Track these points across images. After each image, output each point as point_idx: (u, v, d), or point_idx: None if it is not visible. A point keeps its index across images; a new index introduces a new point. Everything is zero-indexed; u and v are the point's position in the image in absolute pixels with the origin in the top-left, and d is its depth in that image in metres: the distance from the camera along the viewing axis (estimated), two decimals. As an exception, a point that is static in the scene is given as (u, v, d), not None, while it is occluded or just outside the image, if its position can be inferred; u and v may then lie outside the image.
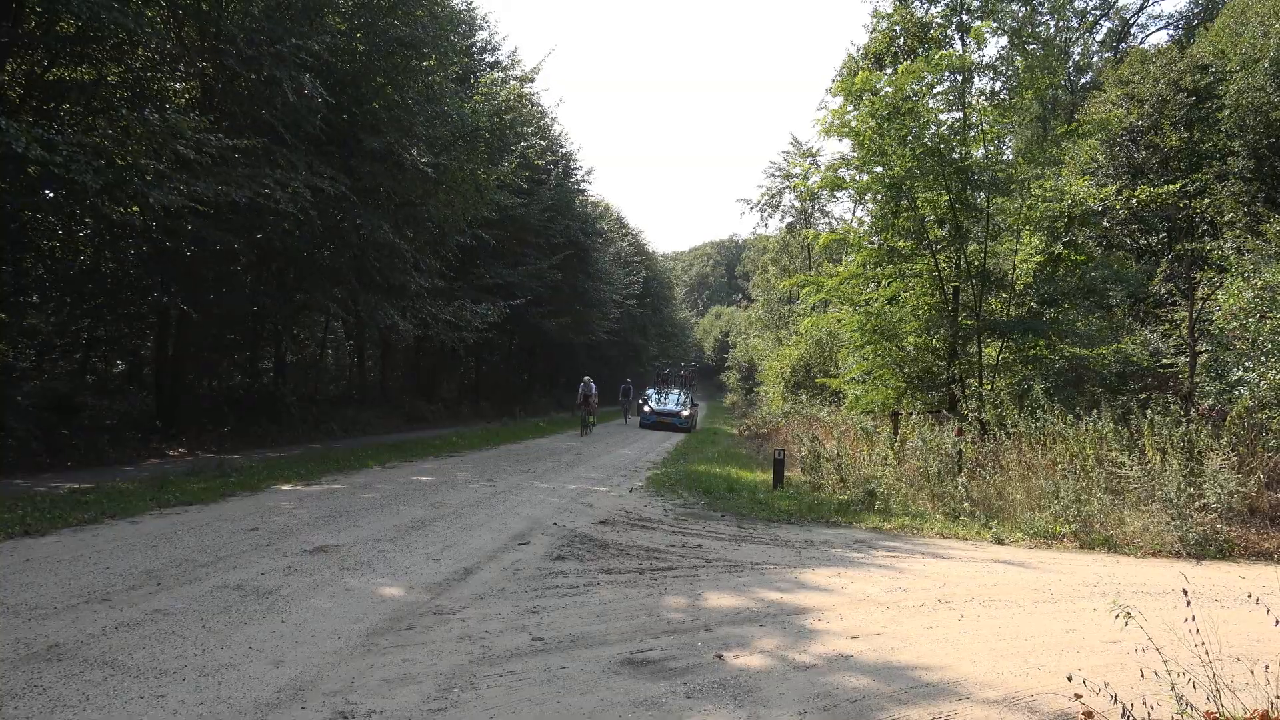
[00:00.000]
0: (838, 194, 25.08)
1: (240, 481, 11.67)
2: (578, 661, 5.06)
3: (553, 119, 35.36)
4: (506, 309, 25.96)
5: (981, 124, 16.47)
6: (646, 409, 33.73)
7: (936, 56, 15.98)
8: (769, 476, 15.10)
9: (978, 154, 16.39)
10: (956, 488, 12.11)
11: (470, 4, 27.57)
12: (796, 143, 52.03)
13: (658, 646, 5.43)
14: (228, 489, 11.02)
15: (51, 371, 17.82)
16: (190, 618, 5.50)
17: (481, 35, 29.95)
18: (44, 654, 4.67)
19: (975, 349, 16.44)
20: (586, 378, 27.98)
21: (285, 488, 11.70)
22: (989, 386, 15.93)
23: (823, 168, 20.24)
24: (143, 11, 13.37)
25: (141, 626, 5.26)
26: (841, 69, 28.16)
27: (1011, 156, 18.18)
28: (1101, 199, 17.99)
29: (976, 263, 16.46)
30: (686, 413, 33.77)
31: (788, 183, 49.30)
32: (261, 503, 10.32)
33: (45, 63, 13.74)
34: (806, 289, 21.14)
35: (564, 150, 36.42)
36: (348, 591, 6.39)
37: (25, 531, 7.82)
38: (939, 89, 16.99)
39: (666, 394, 36.21)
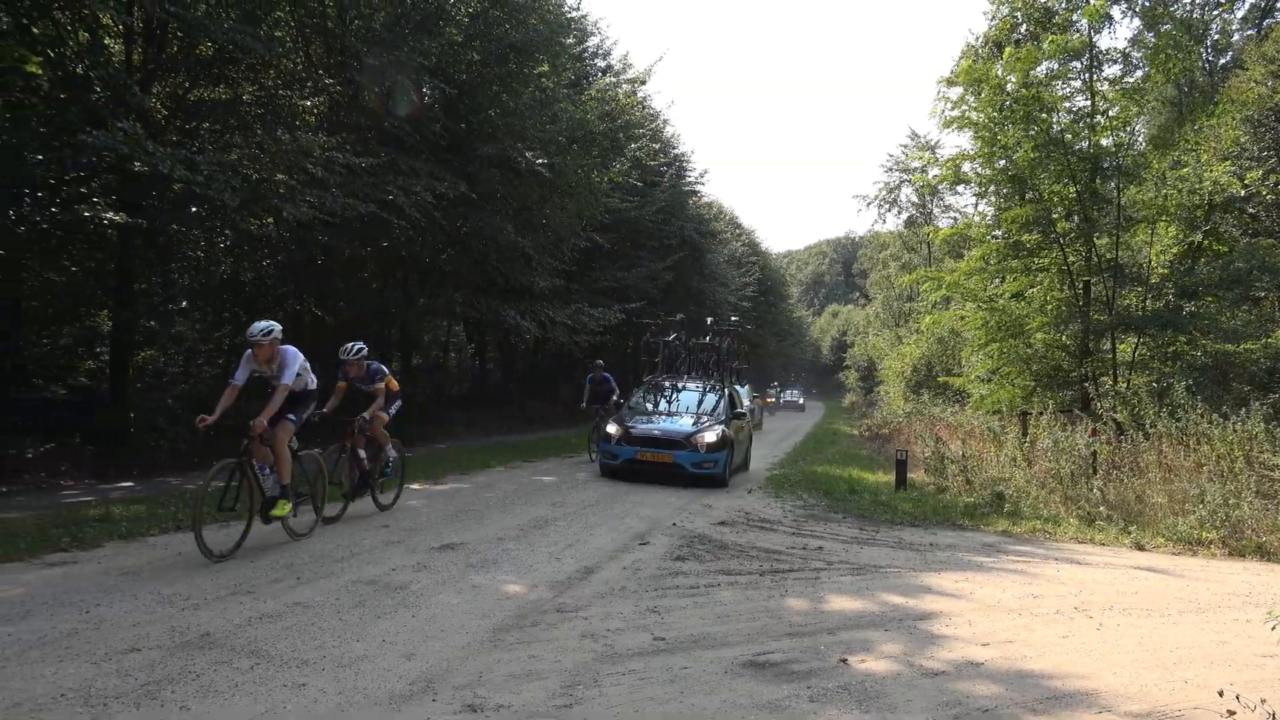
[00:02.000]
0: (959, 187, 23.53)
1: (371, 480, 12.09)
2: (699, 662, 5.06)
3: (665, 121, 35.50)
4: (621, 313, 26.20)
5: (1109, 110, 15.78)
6: (612, 430, 14.42)
7: (1049, 41, 15.41)
8: (891, 478, 14.79)
9: (1106, 142, 15.71)
10: (1091, 490, 11.61)
11: (579, 6, 27.94)
12: (914, 136, 50.77)
13: (780, 649, 5.39)
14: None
15: (197, 376, 18.89)
16: (328, 611, 5.74)
17: (593, 41, 30.30)
18: (197, 642, 4.95)
19: (1109, 345, 15.75)
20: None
21: (413, 486, 12.07)
22: (1125, 384, 15.24)
23: (942, 161, 19.71)
24: (273, 33, 14.07)
25: (283, 618, 5.51)
26: (960, 58, 27.38)
27: (1144, 143, 17.35)
28: (1245, 184, 16.95)
29: (1108, 255, 15.78)
30: (712, 437, 13.91)
31: (906, 176, 48.20)
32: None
33: (187, 84, 14.57)
34: (926, 285, 20.69)
35: (676, 152, 36.47)
36: (474, 588, 6.55)
37: (178, 527, 8.31)
38: (1061, 75, 16.36)
39: (674, 393, 15.93)
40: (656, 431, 13.97)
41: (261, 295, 18.29)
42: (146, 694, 4.15)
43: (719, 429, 14.09)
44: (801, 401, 63.35)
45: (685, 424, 14.29)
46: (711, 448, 13.63)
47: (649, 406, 15.62)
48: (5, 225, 12.57)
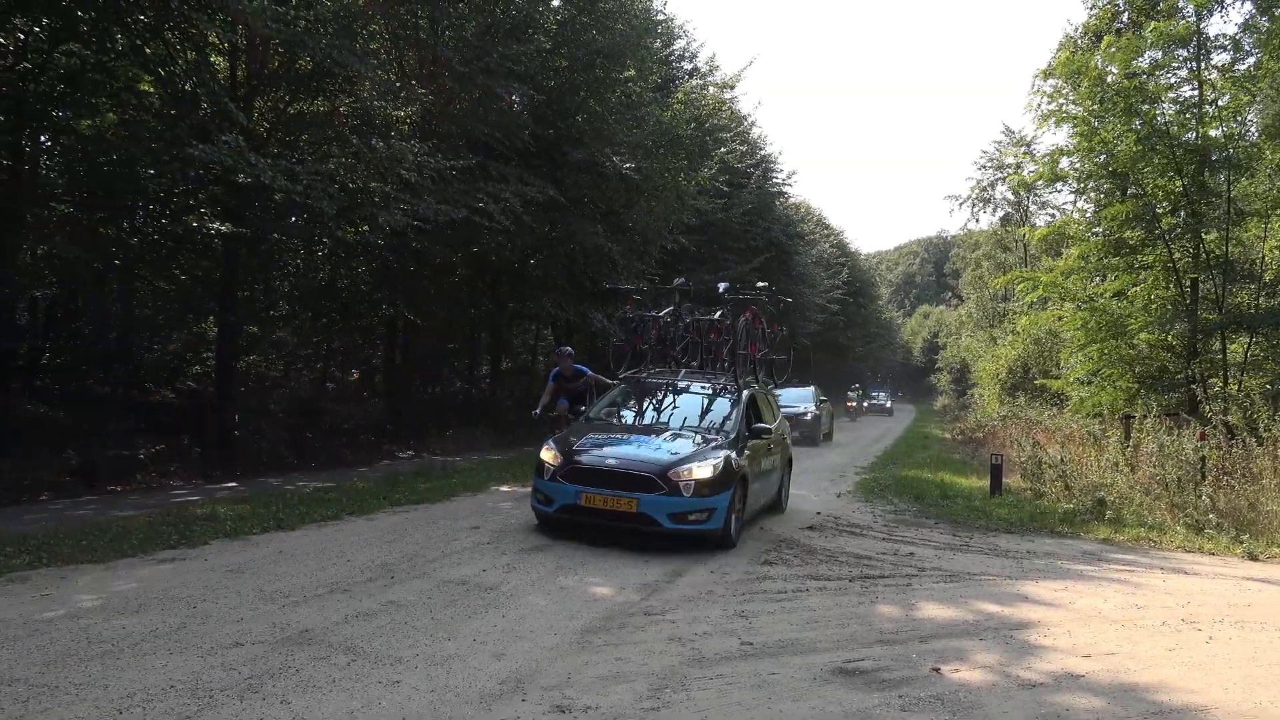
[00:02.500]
0: (1056, 184, 22.08)
1: (462, 482, 12.34)
2: (788, 668, 5.01)
3: (752, 123, 35.27)
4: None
5: (1218, 100, 15.11)
6: (546, 458, 8.86)
7: (1152, 29, 14.82)
8: (985, 483, 14.41)
9: (1215, 133, 15.03)
10: (1200, 497, 11.10)
11: (665, 9, 27.98)
12: (1008, 132, 49.13)
13: (870, 656, 5.30)
14: (451, 489, 11.67)
15: (297, 380, 19.55)
16: (420, 610, 5.87)
17: (680, 44, 30.30)
18: (296, 638, 5.12)
19: (1219, 346, 15.07)
20: None
21: (503, 489, 12.28)
22: (1236, 386, 14.55)
23: (1037, 157, 19.14)
24: (368, 45, 14.47)
25: (378, 616, 5.66)
26: (1057, 50, 26.55)
27: (1256, 133, 16.55)
28: (1370, 174, 16.03)
29: (1217, 251, 15.10)
30: (705, 472, 8.46)
31: (1000, 174, 46.89)
32: (482, 503, 10.88)
33: (287, 98, 15.08)
34: (1022, 285, 20.16)
35: (763, 153, 36.23)
36: (562, 590, 6.62)
37: (278, 526, 8.60)
38: (1166, 64, 15.74)
39: (663, 397, 10.45)
40: (612, 461, 8.76)
41: (357, 301, 18.84)
42: (249, 687, 4.30)
43: (720, 457, 8.79)
44: (889, 404, 57.01)
45: (667, 448, 9.06)
46: (704, 487, 8.40)
47: (623, 417, 10.50)
48: (120, 237, 13.23)
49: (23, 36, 11.11)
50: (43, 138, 12.86)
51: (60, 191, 13.10)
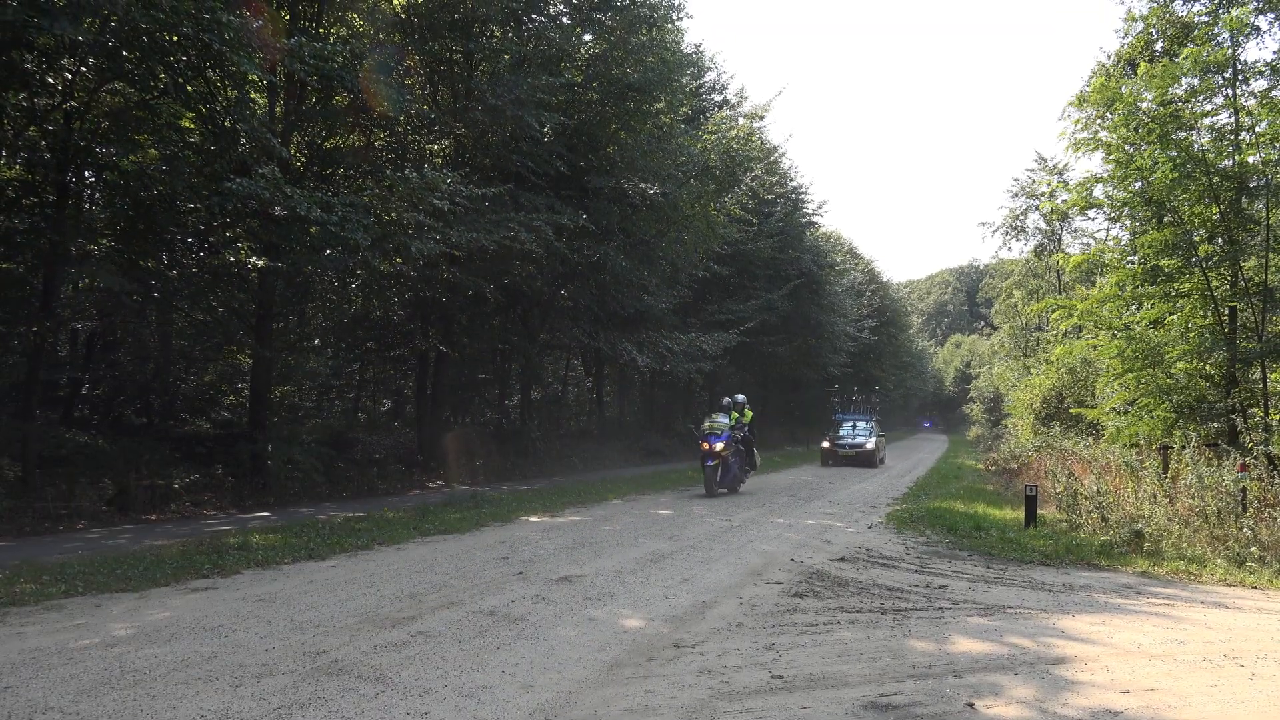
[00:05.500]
0: (1090, 212, 21.32)
1: (492, 512, 12.37)
2: (819, 702, 4.95)
3: (782, 154, 35.43)
4: (739, 335, 26.34)
5: (1256, 126, 14.94)
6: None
7: (1186, 55, 14.71)
8: (1020, 514, 14.20)
9: (1253, 159, 14.84)
10: (1241, 529, 10.86)
11: (699, 47, 28.29)
12: (1041, 159, 48.90)
13: (903, 690, 5.21)
14: (481, 520, 11.71)
15: (329, 410, 19.72)
16: (449, 640, 5.87)
17: (710, 76, 30.58)
18: (326, 668, 5.14)
19: (1259, 374, 14.79)
20: None
21: (533, 519, 12.28)
22: (1277, 416, 14.27)
23: (1071, 185, 18.97)
24: (403, 80, 14.73)
25: (407, 647, 5.66)
26: (1090, 78, 26.44)
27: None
28: None
29: (1256, 279, 14.85)
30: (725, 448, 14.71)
31: (1033, 202, 46.59)
32: (511, 533, 10.89)
33: (323, 134, 15.36)
34: (1056, 314, 19.97)
35: (794, 184, 36.34)
36: (591, 621, 6.59)
37: (310, 555, 8.66)
38: (1203, 91, 15.60)
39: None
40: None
41: (389, 332, 19.05)
42: (279, 718, 4.32)
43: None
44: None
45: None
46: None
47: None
48: (159, 270, 13.47)
49: (70, 76, 11.43)
50: (87, 173, 13.19)
51: (102, 225, 13.41)
